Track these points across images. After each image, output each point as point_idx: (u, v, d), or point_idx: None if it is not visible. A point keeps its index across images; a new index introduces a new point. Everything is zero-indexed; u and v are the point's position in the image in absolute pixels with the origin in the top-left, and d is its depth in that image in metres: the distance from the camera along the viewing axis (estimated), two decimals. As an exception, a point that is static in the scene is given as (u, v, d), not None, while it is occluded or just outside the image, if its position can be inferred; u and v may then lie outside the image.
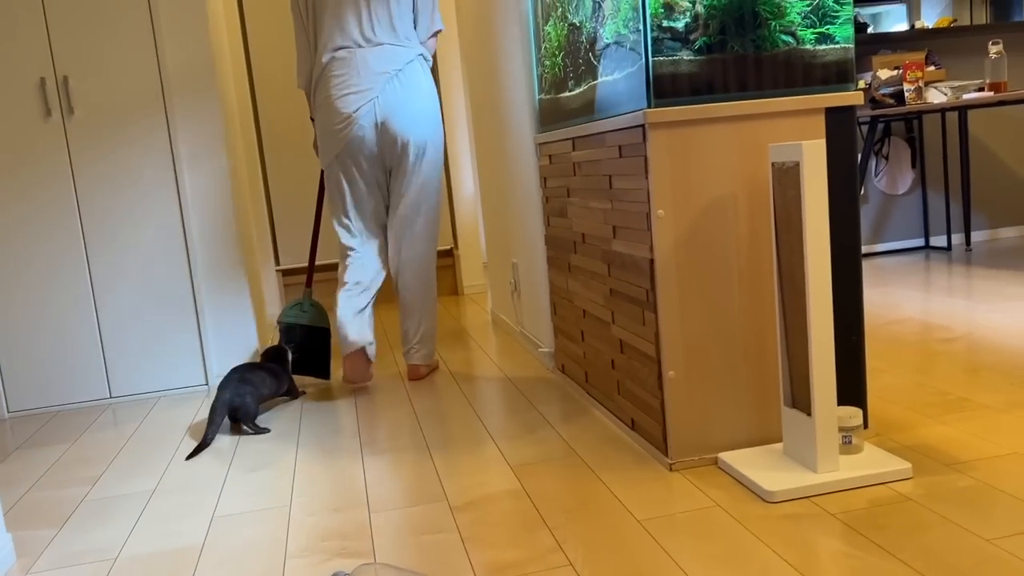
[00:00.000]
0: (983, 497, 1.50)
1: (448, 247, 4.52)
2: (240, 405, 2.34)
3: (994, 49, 3.45)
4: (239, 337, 2.97)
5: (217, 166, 2.89)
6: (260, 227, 4.11)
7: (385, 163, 2.64)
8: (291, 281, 4.37)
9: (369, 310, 2.66)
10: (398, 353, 3.21)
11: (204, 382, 2.92)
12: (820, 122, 1.75)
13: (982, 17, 4.58)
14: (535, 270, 2.80)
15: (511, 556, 1.47)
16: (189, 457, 2.18)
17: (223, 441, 2.30)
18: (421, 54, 2.63)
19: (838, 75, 1.76)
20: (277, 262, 4.35)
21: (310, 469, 2.02)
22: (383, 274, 2.72)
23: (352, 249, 2.69)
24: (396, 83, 2.55)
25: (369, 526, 1.66)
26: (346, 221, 2.68)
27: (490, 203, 3.47)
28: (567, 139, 2.26)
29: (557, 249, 2.50)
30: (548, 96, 2.45)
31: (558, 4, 2.26)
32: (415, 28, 2.63)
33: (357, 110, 2.54)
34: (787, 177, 1.59)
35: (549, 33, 2.37)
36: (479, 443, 2.08)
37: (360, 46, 2.54)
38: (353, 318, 2.61)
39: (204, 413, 2.62)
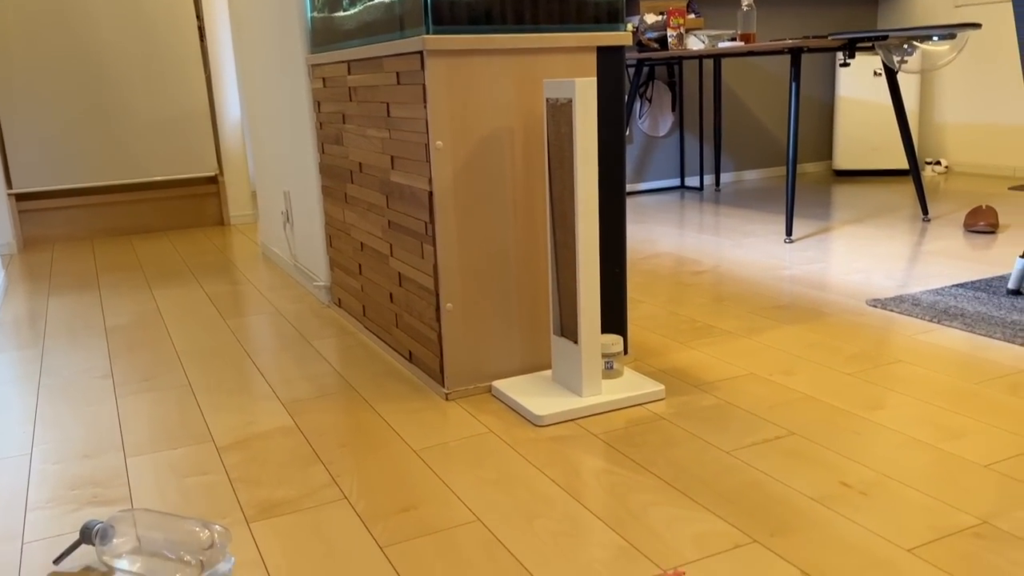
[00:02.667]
0: (724, 414, 1.67)
1: (212, 173, 4.23)
2: None
3: (745, 2, 3.72)
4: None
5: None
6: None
7: None
8: (28, 207, 3.90)
9: None
10: (162, 287, 2.98)
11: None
12: (592, 61, 1.80)
13: (735, -27, 4.92)
14: (309, 200, 2.69)
15: (283, 493, 1.43)
16: None
17: (-54, 387, 2.03)
18: None
19: (609, 14, 1.81)
20: (9, 185, 3.85)
21: (54, 413, 1.84)
22: None
23: None
24: None
25: (125, 471, 1.54)
26: None
27: (258, 127, 3.28)
28: (342, 62, 2.17)
29: (332, 178, 2.41)
30: (322, 14, 2.32)
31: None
32: None
33: None
34: (560, 113, 1.63)
35: (323, -53, 2.24)
36: (248, 380, 2.00)
37: None
38: None
39: (-80, 356, 2.29)
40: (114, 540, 1.19)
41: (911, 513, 1.27)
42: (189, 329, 2.44)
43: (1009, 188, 4.16)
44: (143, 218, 4.11)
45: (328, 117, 2.36)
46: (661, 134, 4.68)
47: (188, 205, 4.21)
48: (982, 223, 3.21)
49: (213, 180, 4.24)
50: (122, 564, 1.18)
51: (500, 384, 1.81)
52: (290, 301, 2.70)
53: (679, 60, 4.60)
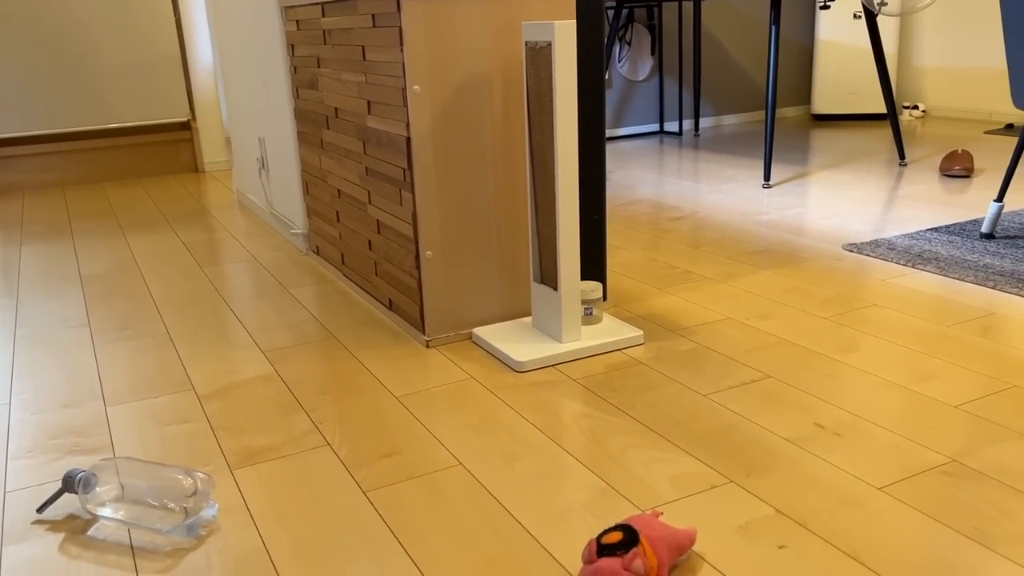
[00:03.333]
0: (700, 358, 1.69)
1: (184, 119, 4.15)
2: None
3: (726, -56, 3.66)
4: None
5: None
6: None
7: None
8: (6, 153, 3.82)
9: None
10: (137, 235, 2.94)
11: None
12: (571, 3, 1.77)
13: (716, -88, 4.83)
14: (284, 146, 2.65)
15: (265, 440, 1.44)
16: None
17: (-81, 338, 2.01)
18: None
19: (589, -44, 1.78)
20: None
21: (31, 363, 1.83)
22: None
23: None
24: None
25: (106, 420, 1.54)
26: None
27: (231, 72, 3.21)
28: (316, 3, 2.12)
29: (308, 124, 2.38)
30: (294, -45, 2.26)
31: None
32: None
33: None
34: (539, 57, 1.61)
35: None
36: (227, 329, 1.99)
37: None
38: None
39: None
40: (97, 488, 1.20)
41: (883, 452, 1.30)
42: (166, 277, 2.42)
43: (985, 132, 4.18)
44: (115, 165, 4.04)
45: (302, 61, 2.32)
46: (640, 78, 4.63)
47: (161, 151, 4.14)
48: (957, 167, 3.23)
49: (186, 126, 4.17)
50: (106, 512, 1.19)
51: (480, 331, 1.82)
52: (267, 249, 2.68)
53: (658, 2, 4.53)
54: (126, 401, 1.62)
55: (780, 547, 1.08)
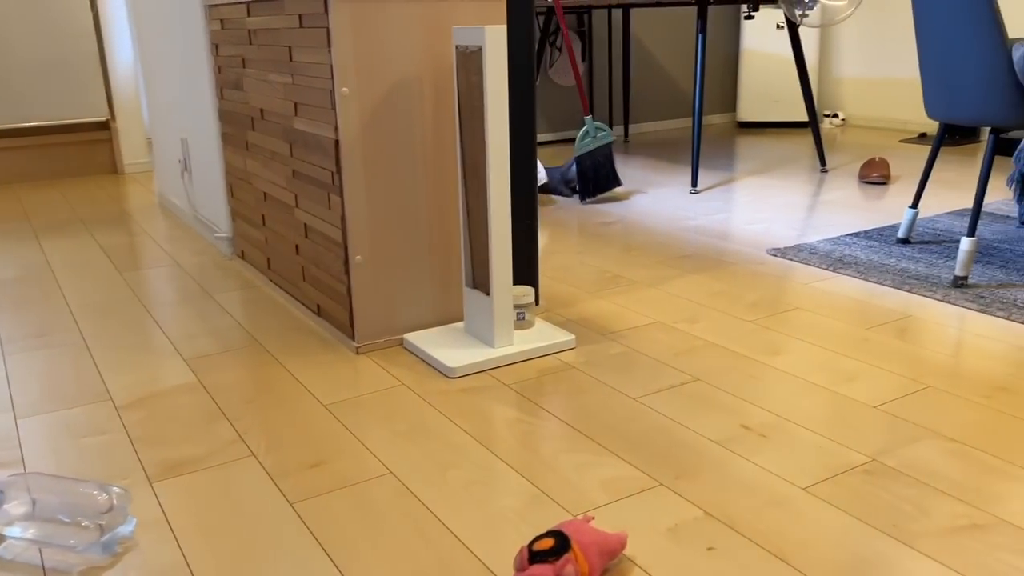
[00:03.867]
0: (631, 361, 1.70)
1: (103, 119, 4.01)
2: None
3: (654, -47, 3.72)
4: None
5: None
6: None
7: None
8: None
9: None
10: (51, 239, 2.82)
11: None
12: (502, 8, 1.77)
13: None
14: (208, 148, 2.58)
15: (188, 452, 1.39)
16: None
17: None
18: None
19: (520, -39, 1.78)
20: None
21: (-65, 375, 1.73)
22: None
23: None
24: None
25: (16, 433, 1.47)
26: None
27: (152, 71, 3.11)
28: (241, 2, 2.07)
29: (233, 125, 2.32)
30: (218, -48, 2.20)
31: None
32: None
33: None
34: (470, 61, 1.60)
35: None
36: (148, 337, 1.92)
37: None
38: None
39: None
40: (5, 505, 1.14)
41: (807, 453, 1.33)
42: (82, 283, 2.33)
43: (900, 140, 4.34)
44: (29, 166, 3.87)
45: (227, 61, 2.26)
46: (571, 84, 4.67)
47: (78, 152, 3.98)
48: (875, 174, 3.35)
49: (105, 126, 4.02)
50: (14, 531, 1.13)
51: (412, 337, 1.80)
52: (191, 253, 2.60)
53: (588, 9, 4.58)
54: (38, 413, 1.55)
55: (709, 549, 1.10)
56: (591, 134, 3.06)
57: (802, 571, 1.05)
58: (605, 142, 3.08)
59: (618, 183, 3.13)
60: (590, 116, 3.08)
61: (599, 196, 3.15)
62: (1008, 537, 1.10)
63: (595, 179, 3.10)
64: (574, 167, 3.13)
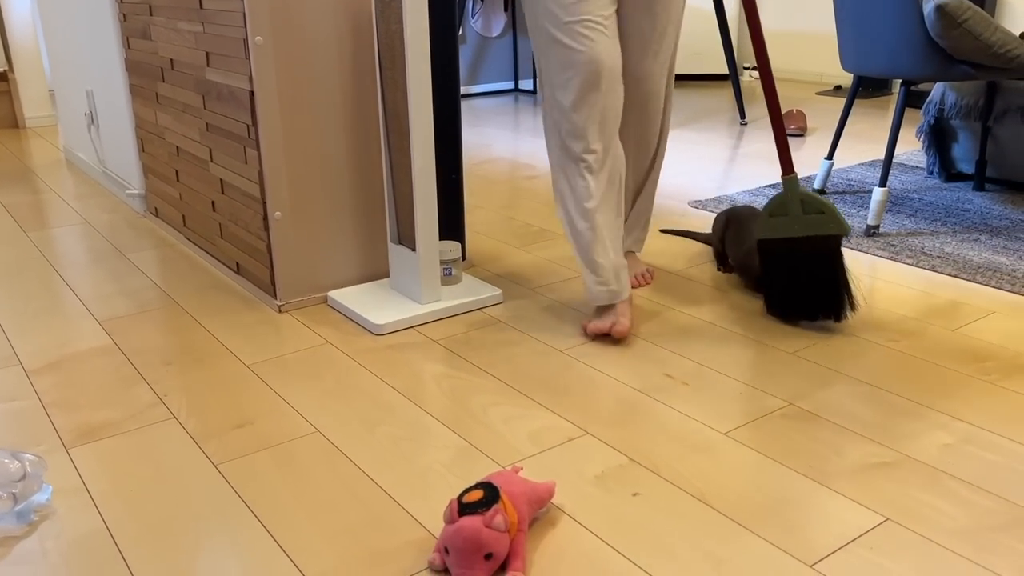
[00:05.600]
0: (558, 315, 1.72)
1: (1, 70, 3.78)
2: None
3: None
4: None
5: None
6: None
7: None
8: None
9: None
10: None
11: None
12: (422, -46, 1.72)
13: None
14: (115, 100, 2.46)
15: (104, 416, 1.34)
16: None
17: None
18: None
19: (440, -94, 1.73)
20: None
21: None
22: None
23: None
24: None
25: (-83, 404, 1.40)
26: None
27: (52, 19, 2.93)
28: (145, -54, 1.96)
29: (141, 76, 2.21)
30: None
31: None
32: None
33: None
34: (389, 10, 1.56)
35: None
36: (58, 298, 1.84)
37: None
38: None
39: None
40: (-92, 479, 1.09)
41: (727, 400, 1.37)
42: (-17, 245, 2.21)
43: (816, 93, 4.44)
44: None
45: (132, 8, 2.14)
46: (494, 35, 4.61)
47: (-27, 105, 3.75)
48: (792, 126, 3.42)
49: (2, 77, 3.79)
50: (-80, 503, 1.08)
51: (336, 294, 1.77)
52: (101, 211, 2.49)
53: (511, -42, 4.50)
54: (-60, 381, 1.47)
55: (634, 494, 1.12)
56: (795, 211, 1.60)
57: (724, 512, 1.08)
58: (826, 232, 1.59)
59: (843, 311, 1.62)
60: (794, 176, 1.60)
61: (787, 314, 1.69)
62: (915, 473, 1.16)
63: (795, 291, 1.63)
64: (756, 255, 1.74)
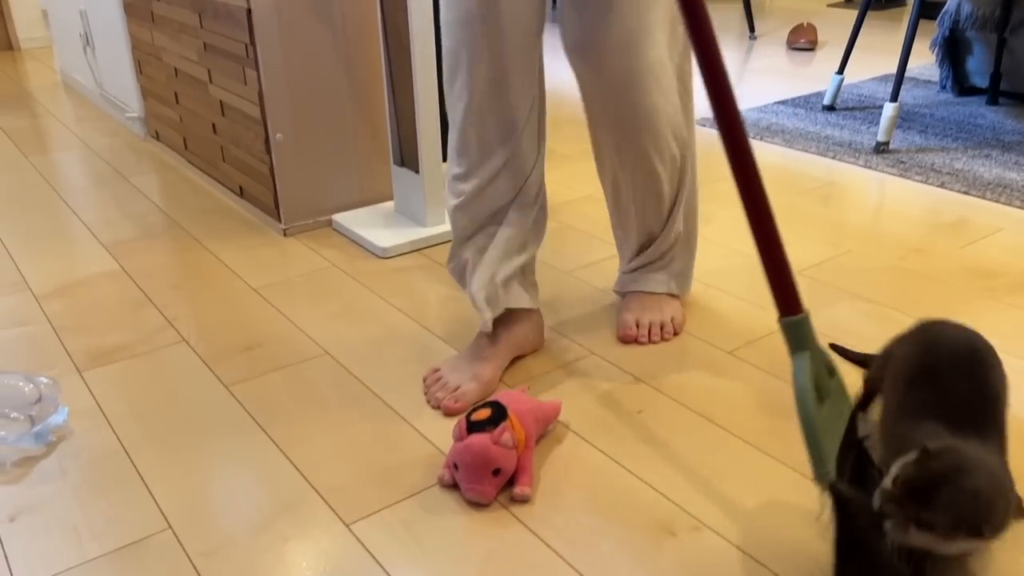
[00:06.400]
0: (565, 236, 1.71)
1: (-8, -10, 3.68)
2: None
3: None
4: None
5: None
6: None
7: None
8: None
9: None
10: None
11: None
12: None
13: None
14: (110, 20, 2.41)
15: (115, 339, 1.36)
16: None
17: None
18: None
19: None
20: None
21: None
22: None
23: None
24: None
25: (-70, 329, 1.41)
26: None
27: (41, -66, 2.85)
28: None
29: (135, -5, 2.16)
30: None
31: None
32: None
33: None
34: (389, -79, 1.50)
35: None
36: (63, 223, 1.84)
37: None
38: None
39: None
40: (-74, 402, 1.11)
41: (732, 318, 1.38)
42: (-15, 170, 2.20)
43: (828, 5, 4.32)
44: None
45: (122, -78, 2.08)
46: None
47: (-35, 27, 3.67)
48: (803, 40, 3.34)
49: (-8, -3, 3.70)
50: (-60, 426, 1.11)
51: (340, 217, 1.77)
52: (101, 135, 2.47)
53: None
54: (-49, 307, 1.49)
55: (638, 412, 1.14)
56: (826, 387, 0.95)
57: (726, 428, 1.10)
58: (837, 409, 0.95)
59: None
60: (804, 316, 0.99)
61: None
62: (916, 388, 1.17)
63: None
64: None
